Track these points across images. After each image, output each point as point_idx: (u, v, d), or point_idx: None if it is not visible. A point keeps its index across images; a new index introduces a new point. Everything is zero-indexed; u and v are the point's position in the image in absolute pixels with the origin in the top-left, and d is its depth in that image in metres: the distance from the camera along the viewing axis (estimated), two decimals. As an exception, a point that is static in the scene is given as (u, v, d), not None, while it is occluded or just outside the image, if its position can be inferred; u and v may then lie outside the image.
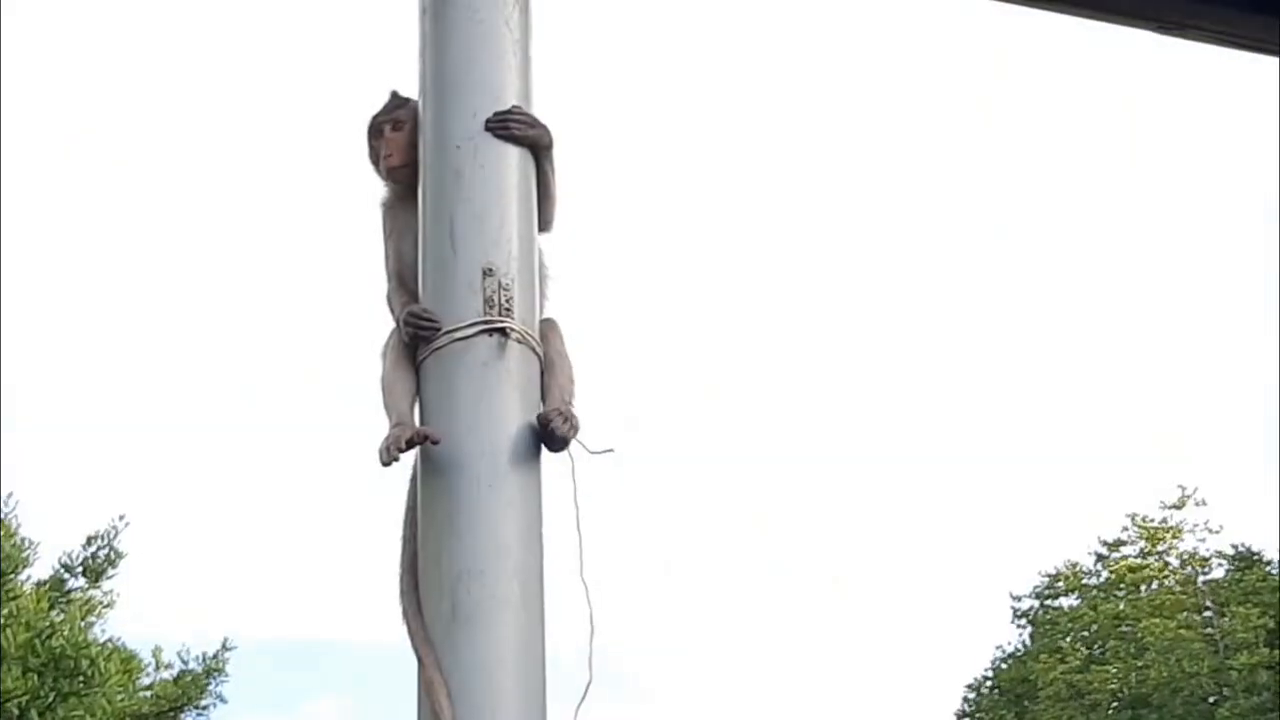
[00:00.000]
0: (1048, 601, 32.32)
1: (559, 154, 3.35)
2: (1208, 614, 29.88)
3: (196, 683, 13.74)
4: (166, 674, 13.81)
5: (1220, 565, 30.76)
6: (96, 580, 13.49)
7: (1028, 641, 32.20)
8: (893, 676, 35.64)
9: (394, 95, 3.54)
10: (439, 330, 3.10)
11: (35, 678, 11.29)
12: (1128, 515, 31.35)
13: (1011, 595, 32.61)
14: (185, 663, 13.85)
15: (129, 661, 12.76)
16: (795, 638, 33.98)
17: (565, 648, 3.07)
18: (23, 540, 12.72)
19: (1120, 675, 29.71)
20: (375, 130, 3.51)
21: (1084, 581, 31.92)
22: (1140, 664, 29.44)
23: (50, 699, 11.41)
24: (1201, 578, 30.59)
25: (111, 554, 13.54)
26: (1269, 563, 30.21)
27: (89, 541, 13.55)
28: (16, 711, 11.17)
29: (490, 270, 3.13)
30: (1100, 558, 31.89)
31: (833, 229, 38.22)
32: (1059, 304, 37.82)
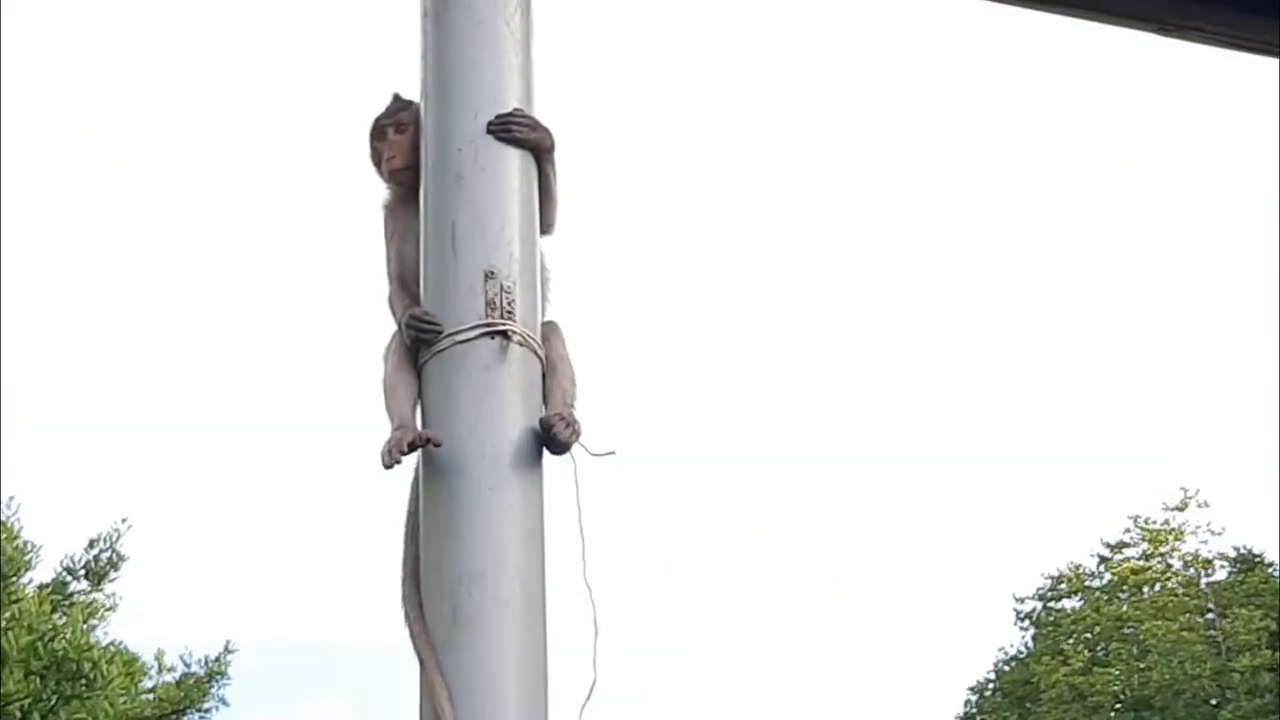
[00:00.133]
0: (1050, 603, 32.32)
1: (560, 156, 3.35)
2: (1210, 616, 29.86)
3: (199, 685, 13.75)
4: (169, 677, 13.82)
5: (1223, 567, 30.76)
6: (99, 583, 13.50)
7: (1030, 643, 32.19)
8: (894, 678, 35.63)
9: (396, 98, 3.54)
10: (440, 333, 3.11)
11: (37, 681, 11.29)
12: (1130, 517, 31.36)
13: (1014, 597, 32.63)
14: (188, 665, 13.86)
15: (131, 664, 12.78)
16: (796, 638, 33.94)
17: (567, 649, 3.07)
18: (25, 543, 12.72)
19: (1122, 677, 29.69)
20: (378, 132, 3.51)
21: (1086, 583, 31.91)
22: (1142, 666, 29.42)
23: (52, 702, 11.41)
24: (1204, 580, 30.58)
25: (114, 557, 13.55)
26: (1271, 564, 30.21)
27: (91, 544, 13.57)
28: (19, 715, 11.17)
29: (492, 273, 3.14)
30: (1103, 559, 31.88)
31: (832, 229, 38.23)
32: (1060, 304, 37.86)
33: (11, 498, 12.73)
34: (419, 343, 3.14)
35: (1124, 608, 30.77)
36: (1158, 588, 30.71)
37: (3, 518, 12.59)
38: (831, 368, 38.98)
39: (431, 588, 2.97)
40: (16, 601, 11.91)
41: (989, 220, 39.35)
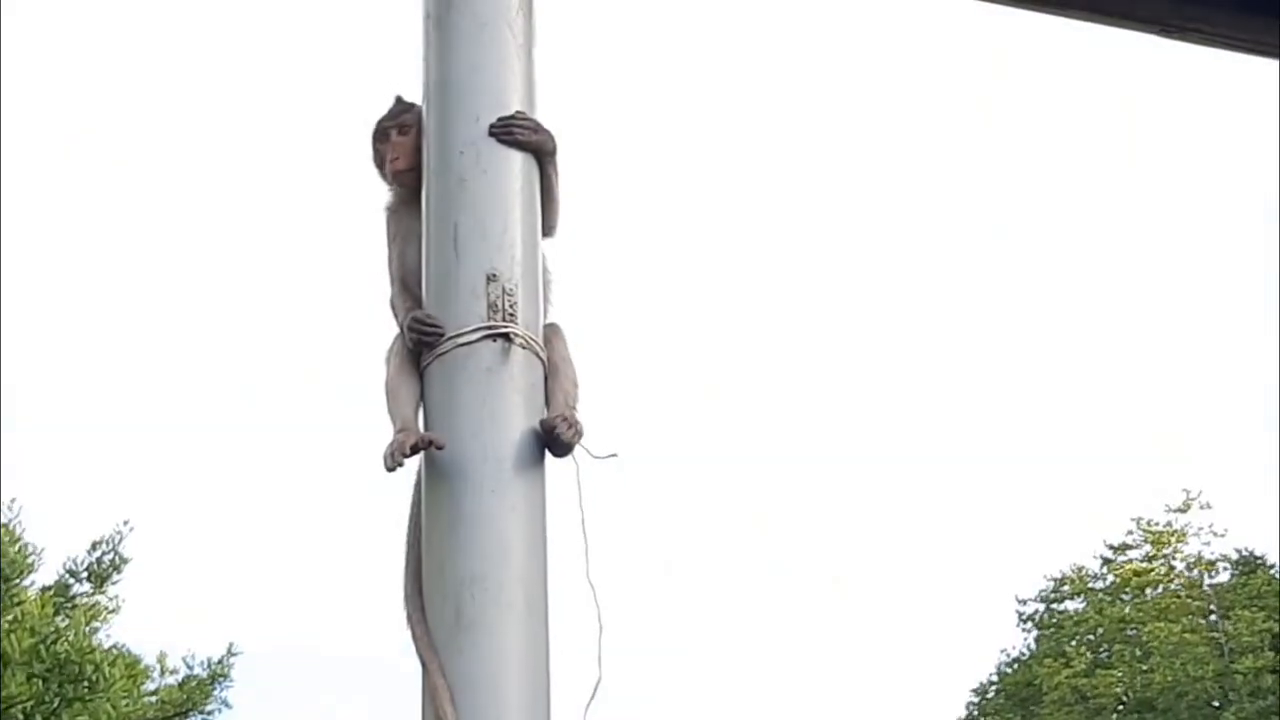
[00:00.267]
0: (1053, 605, 32.31)
1: (562, 159, 3.36)
2: (1213, 618, 29.85)
3: (201, 688, 13.76)
4: (171, 679, 13.83)
5: (1225, 569, 30.74)
6: (101, 585, 13.51)
7: (1032, 645, 32.18)
8: (895, 679, 35.60)
9: (398, 100, 3.54)
10: (442, 336, 3.11)
11: (40, 683, 11.30)
12: (1132, 519, 31.37)
13: (1016, 599, 32.62)
14: (190, 668, 13.87)
15: (134, 667, 12.78)
16: (796, 639, 33.94)
17: (569, 649, 3.07)
18: (27, 546, 12.73)
19: (1125, 679, 29.70)
20: (381, 134, 3.51)
21: (1089, 585, 31.90)
22: (1145, 668, 29.42)
23: (55, 704, 11.42)
24: (1206, 581, 30.57)
25: (116, 559, 13.56)
26: (1273, 566, 30.20)
27: (93, 546, 13.57)
28: (21, 717, 11.18)
29: (494, 276, 3.14)
30: (1106, 561, 31.87)
31: (834, 230, 38.24)
32: (1061, 305, 37.86)
33: (13, 500, 12.75)
34: (421, 346, 3.14)
35: (1126, 609, 30.77)
36: (1160, 590, 30.71)
37: (4, 520, 12.60)
38: (832, 368, 39.00)
39: (434, 590, 2.97)
40: (19, 604, 11.91)
41: (990, 221, 39.38)
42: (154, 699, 13.51)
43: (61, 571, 13.41)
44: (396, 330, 3.30)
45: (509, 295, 3.13)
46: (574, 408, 3.18)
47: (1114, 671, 29.87)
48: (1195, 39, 4.01)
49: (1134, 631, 30.31)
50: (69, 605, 13.05)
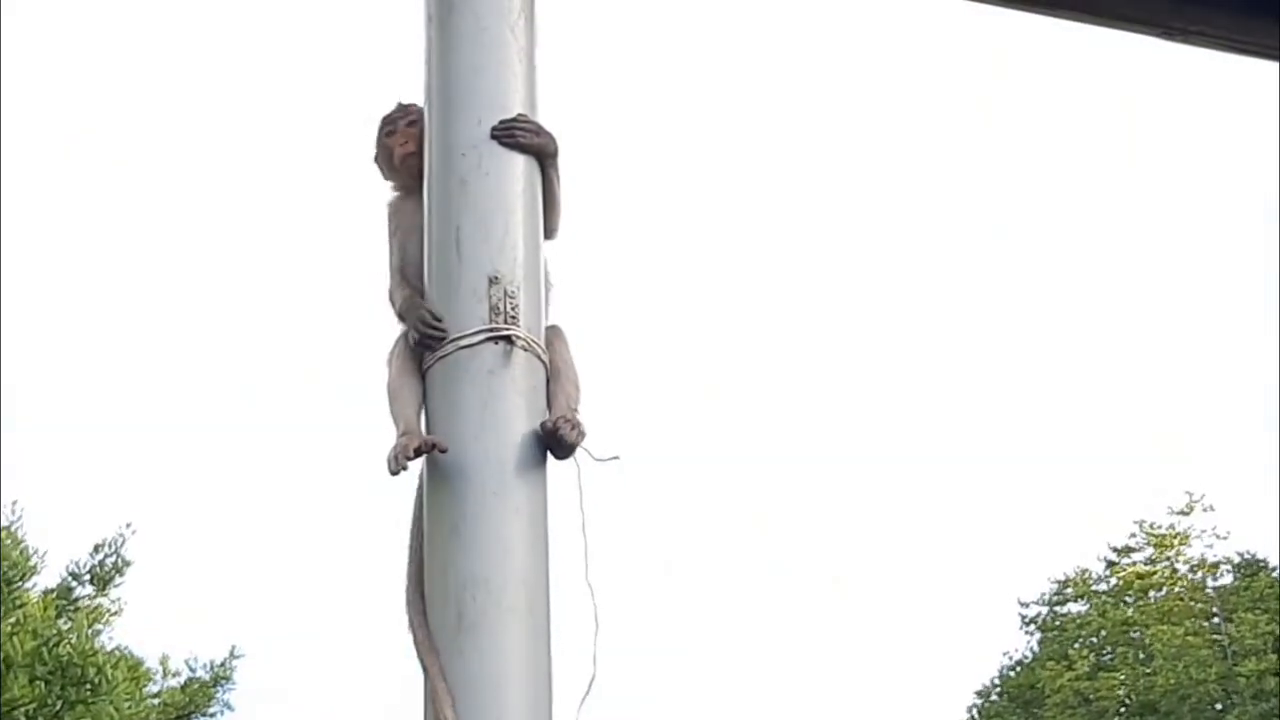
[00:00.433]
0: (1055, 607, 32.29)
1: (564, 161, 3.36)
2: (1215, 621, 29.83)
3: (204, 690, 13.77)
4: (174, 682, 13.85)
5: (1228, 572, 30.72)
6: (104, 588, 13.51)
7: (1035, 648, 32.16)
8: (897, 681, 35.58)
9: (400, 104, 3.55)
10: (444, 339, 3.11)
11: (42, 686, 11.30)
12: (1135, 521, 31.32)
13: (1019, 602, 32.59)
14: (192, 670, 13.90)
15: (136, 669, 12.79)
16: (796, 639, 33.89)
17: (568, 648, 3.07)
18: (30, 549, 12.74)
19: (1128, 682, 29.67)
20: (388, 124, 3.51)
21: (1092, 588, 31.88)
22: (1148, 671, 29.39)
23: (57, 707, 11.42)
24: (1209, 584, 30.55)
25: (118, 562, 13.56)
26: (1275, 569, 30.17)
27: (96, 549, 13.57)
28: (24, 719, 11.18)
29: (496, 278, 3.14)
30: (1109, 564, 31.85)
31: (834, 231, 38.24)
32: (1063, 306, 37.82)
33: (15, 502, 12.75)
34: (423, 345, 3.15)
35: (1129, 612, 30.73)
36: (1163, 592, 30.67)
37: (6, 523, 12.60)
38: (832, 368, 38.99)
39: (436, 592, 2.97)
40: (21, 607, 11.92)
41: (992, 221, 39.36)
42: (156, 701, 13.52)
43: (64, 574, 13.41)
44: (395, 322, 3.31)
45: (511, 298, 3.13)
46: (576, 410, 3.18)
47: (1117, 674, 29.84)
48: (1197, 41, 4.01)
49: (1137, 634, 30.28)
50: (71, 608, 13.05)
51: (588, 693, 3.08)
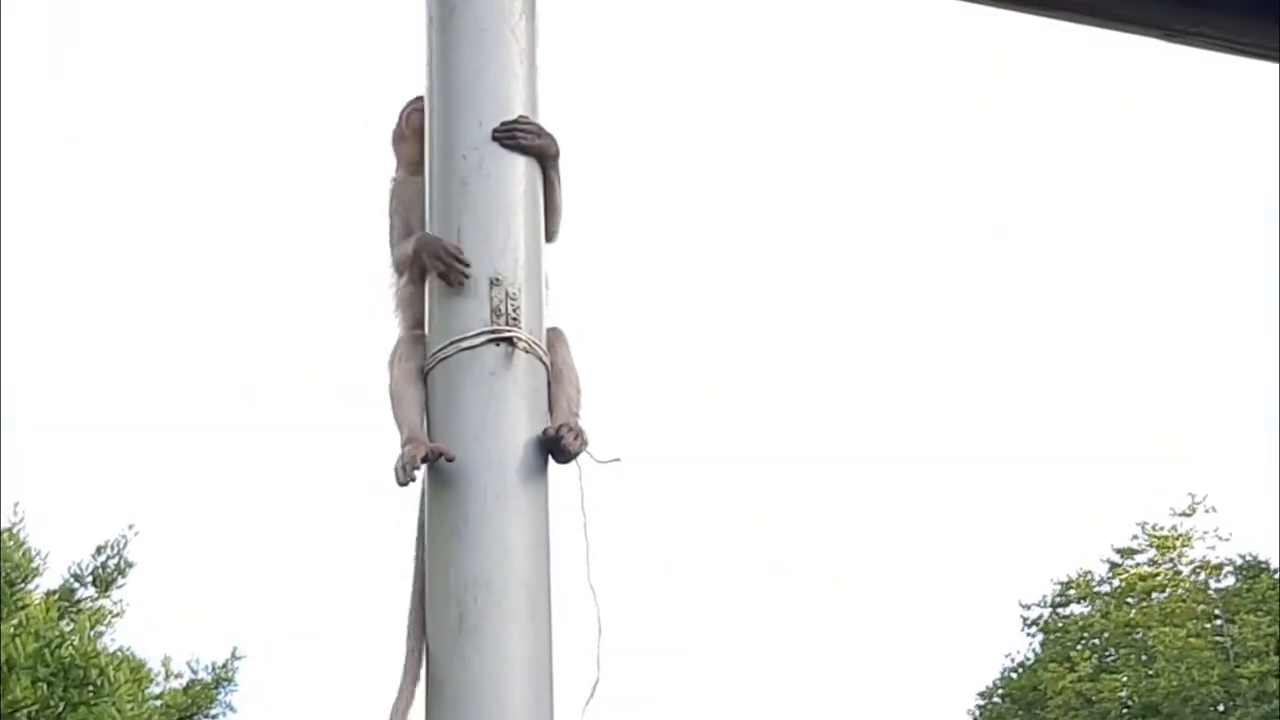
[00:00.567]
0: (1058, 609, 32.28)
1: (565, 163, 3.36)
2: (1218, 622, 29.82)
3: (206, 692, 13.78)
4: (176, 683, 13.85)
5: (1230, 573, 30.71)
6: (106, 589, 13.52)
7: (1038, 649, 32.15)
8: (898, 683, 35.53)
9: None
10: (469, 276, 3.10)
11: (44, 687, 11.30)
12: (1138, 523, 31.32)
13: (1021, 603, 32.58)
14: (195, 672, 13.90)
15: (138, 671, 12.78)
16: (797, 640, 33.86)
17: (569, 650, 3.07)
18: (32, 550, 12.74)
19: (1130, 684, 29.66)
20: (412, 104, 3.51)
21: (1095, 589, 31.87)
22: (1150, 672, 29.38)
23: (59, 709, 11.42)
24: (1212, 586, 30.54)
25: (121, 563, 13.57)
26: (1277, 570, 30.16)
27: (98, 551, 13.58)
28: (26, 721, 11.18)
29: (497, 280, 3.14)
30: (1112, 565, 31.84)
31: (834, 231, 38.17)
32: (1063, 306, 37.80)
33: (16, 503, 12.75)
34: (444, 278, 3.12)
35: (1132, 614, 30.72)
36: (1165, 594, 30.67)
37: (8, 524, 12.61)
38: (832, 368, 38.92)
39: (437, 595, 2.97)
40: (24, 608, 11.92)
41: (992, 221, 39.28)
42: (158, 703, 13.52)
43: (66, 576, 13.42)
44: (392, 316, 3.32)
45: (512, 299, 3.13)
46: (577, 414, 3.18)
47: (1119, 676, 29.83)
48: (1198, 43, 4.01)
49: (1139, 636, 30.27)
50: (73, 609, 13.06)
51: (591, 695, 3.08)
